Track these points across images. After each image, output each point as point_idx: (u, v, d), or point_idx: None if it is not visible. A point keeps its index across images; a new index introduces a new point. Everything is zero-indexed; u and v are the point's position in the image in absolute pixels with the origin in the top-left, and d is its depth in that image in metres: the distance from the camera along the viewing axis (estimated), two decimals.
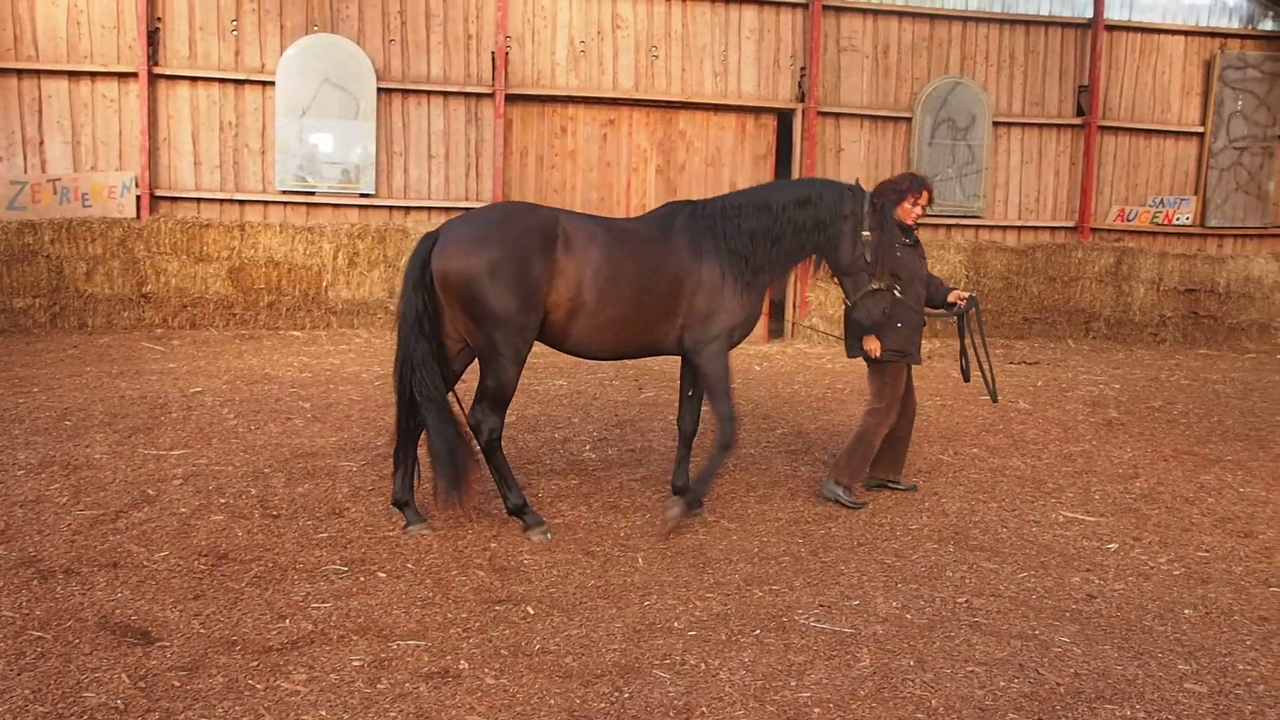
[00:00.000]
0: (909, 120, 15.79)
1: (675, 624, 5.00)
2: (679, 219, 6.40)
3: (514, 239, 5.88)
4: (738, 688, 4.40)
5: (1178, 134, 16.86)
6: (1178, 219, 16.69)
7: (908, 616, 5.20)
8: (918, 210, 7.17)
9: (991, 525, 6.74)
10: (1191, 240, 16.76)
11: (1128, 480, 7.89)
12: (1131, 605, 5.45)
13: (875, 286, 6.44)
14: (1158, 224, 16.67)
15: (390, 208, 14.48)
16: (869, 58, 15.72)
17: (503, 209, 6.14)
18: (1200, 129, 16.83)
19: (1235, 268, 16.01)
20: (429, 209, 14.56)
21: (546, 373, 11.57)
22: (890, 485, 7.41)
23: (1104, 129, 16.50)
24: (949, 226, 16.07)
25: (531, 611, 5.10)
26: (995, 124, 16.09)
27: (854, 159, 15.72)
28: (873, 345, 6.94)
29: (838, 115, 15.63)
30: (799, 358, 13.74)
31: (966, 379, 7.34)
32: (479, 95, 14.59)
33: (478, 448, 6.17)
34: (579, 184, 14.98)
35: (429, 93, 14.52)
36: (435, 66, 14.56)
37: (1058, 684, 4.51)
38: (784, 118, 15.63)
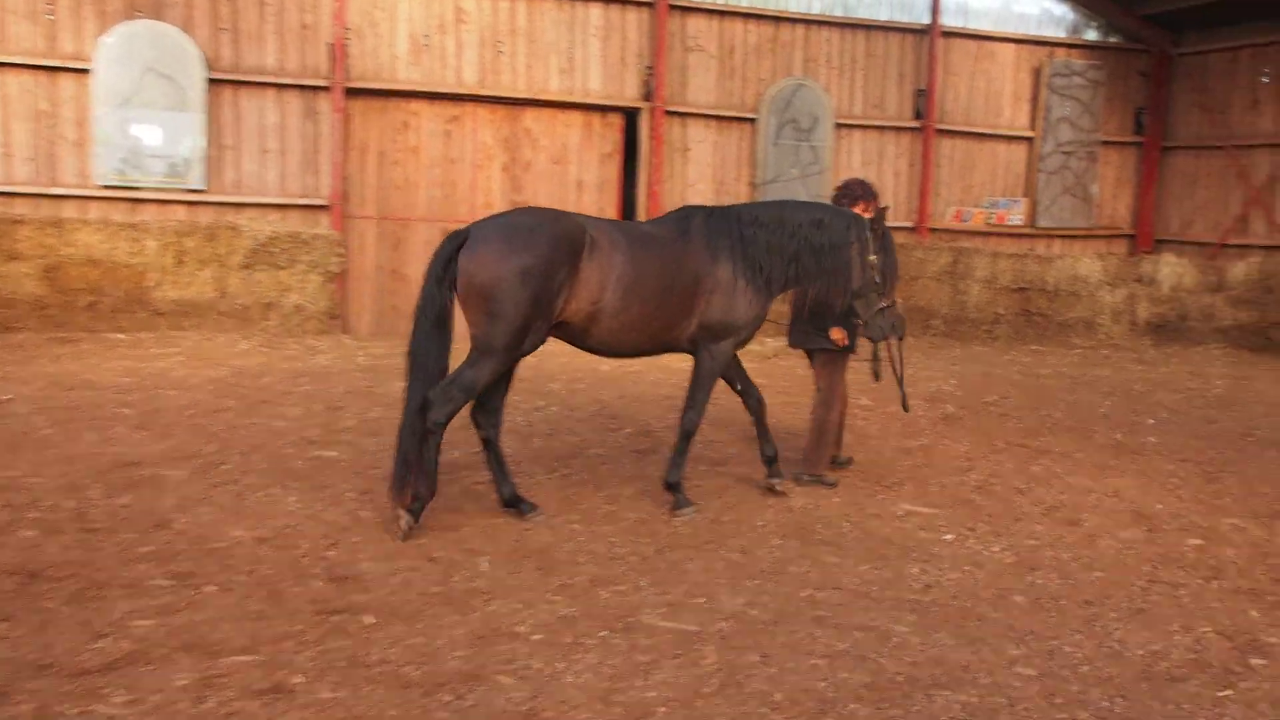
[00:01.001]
0: (754, 121, 16.04)
1: (520, 628, 4.96)
2: (695, 222, 6.81)
3: (545, 247, 6.17)
4: (583, 690, 4.38)
5: (1009, 138, 17.56)
6: (1010, 220, 17.38)
7: (752, 612, 5.26)
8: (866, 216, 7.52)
9: (834, 519, 6.88)
10: (1023, 240, 17.48)
11: (963, 473, 8.17)
12: (966, 594, 5.64)
13: (885, 305, 7.06)
14: (992, 225, 17.35)
15: (221, 204, 13.99)
16: (715, 58, 15.92)
17: (533, 214, 6.42)
18: (1030, 133, 17.57)
19: (1063, 267, 16.74)
20: (263, 205, 14.13)
21: (389, 375, 11.37)
22: (835, 461, 8.05)
23: (940, 132, 17.07)
24: None
25: (370, 621, 4.99)
26: (837, 126, 16.47)
27: (701, 159, 15.90)
28: (840, 335, 7.51)
29: (684, 115, 15.78)
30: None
31: (877, 379, 7.57)
32: (316, 88, 14.24)
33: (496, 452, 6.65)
34: (422, 181, 14.77)
35: (263, 84, 14.10)
36: (270, 57, 14.15)
37: (896, 673, 4.63)
38: (631, 117, 15.71)
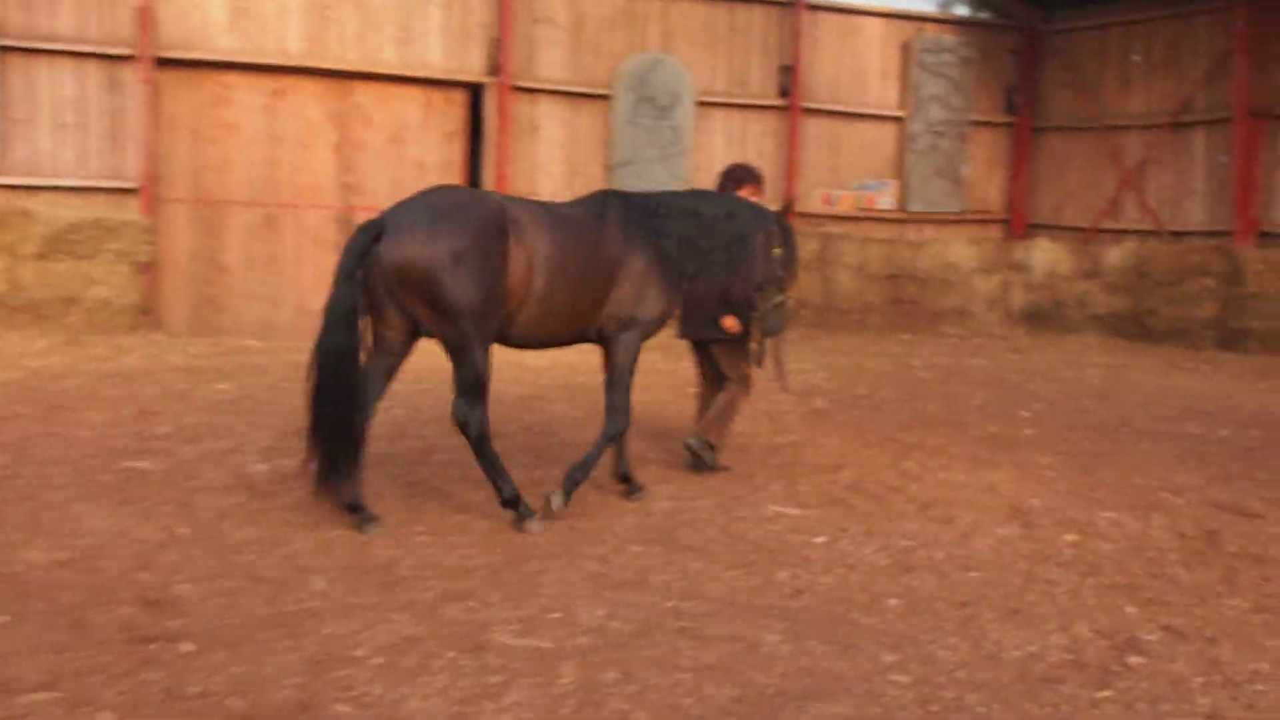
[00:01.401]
0: (609, 98, 16.06)
1: (359, 652, 4.86)
2: (612, 208, 6.98)
3: (473, 226, 6.27)
4: (429, 717, 4.32)
5: (878, 117, 17.98)
6: (880, 204, 17.79)
7: (613, 626, 5.25)
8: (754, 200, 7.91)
9: (700, 524, 6.92)
10: (893, 225, 17.91)
11: (834, 471, 8.32)
12: (838, 599, 5.74)
13: (780, 300, 7.43)
14: (861, 209, 17.72)
15: (11, 187, 13.39)
16: (566, 30, 15.89)
17: (448, 195, 6.61)
18: (900, 113, 18.02)
19: (934, 253, 17.24)
20: (62, 189, 13.58)
21: (208, 375, 11.05)
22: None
23: (807, 111, 17.36)
24: None
25: (189, 649, 4.83)
26: (699, 104, 16.60)
27: (551, 138, 15.86)
28: (734, 323, 7.80)
29: (534, 91, 15.71)
30: (499, 352, 13.62)
31: (760, 365, 7.80)
32: (120, 58, 13.74)
33: (363, 450, 6.55)
34: (240, 160, 14.40)
35: (60, 53, 13.54)
36: (66, 22, 13.59)
37: (766, 685, 4.68)
38: (476, 93, 15.57)
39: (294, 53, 14.51)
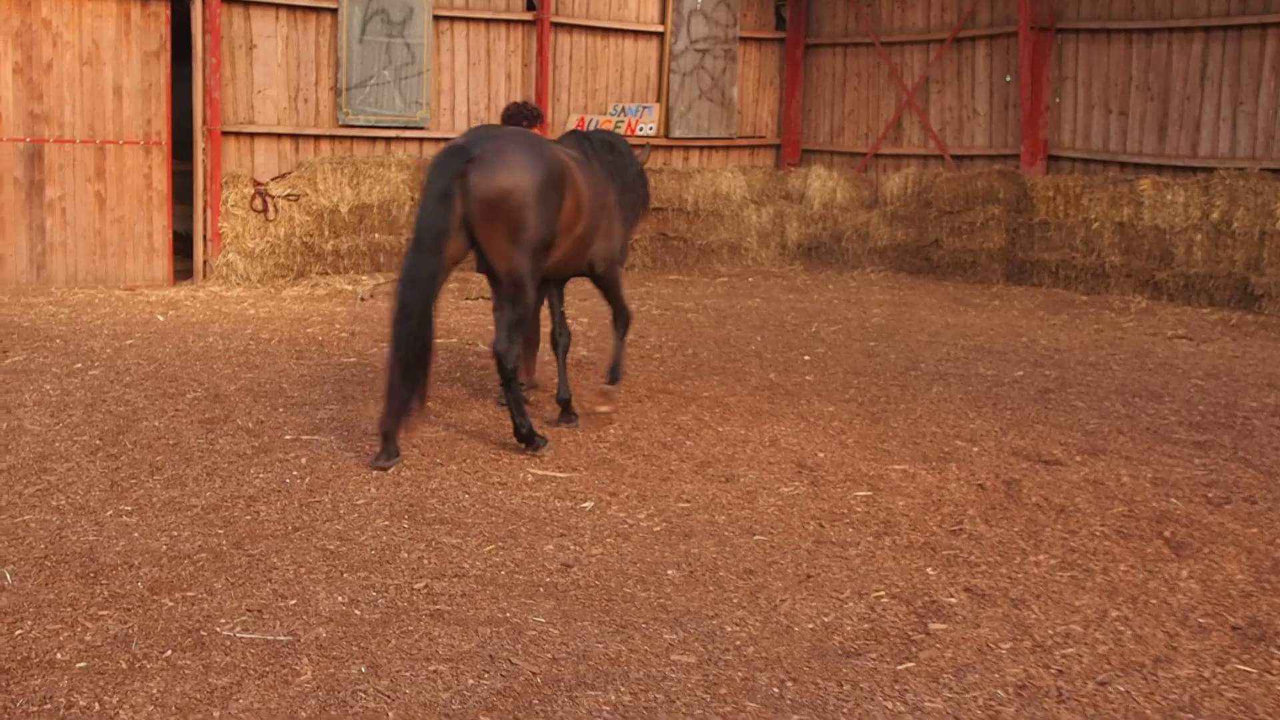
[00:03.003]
0: (334, 12, 15.51)
1: (58, 655, 4.68)
2: (589, 149, 8.25)
3: (554, 163, 7.36)
4: None
5: (637, 33, 17.97)
6: (641, 129, 17.81)
7: (356, 613, 5.16)
8: None
9: (452, 492, 6.84)
10: (657, 154, 17.95)
11: (600, 427, 8.28)
12: (611, 571, 5.70)
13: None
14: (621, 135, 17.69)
15: None
16: None
17: (516, 131, 7.77)
18: (660, 28, 18.05)
19: (703, 183, 17.40)
20: None
21: None
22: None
23: (558, 26, 17.18)
24: (388, 140, 16.05)
25: None
26: (436, 19, 16.22)
27: (270, 58, 15.21)
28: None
29: (247, 4, 15.00)
30: (214, 303, 13.21)
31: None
32: None
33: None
34: None
35: None
36: None
37: (534, 674, 4.60)
38: (180, 6, 14.75)
39: None
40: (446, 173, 7.03)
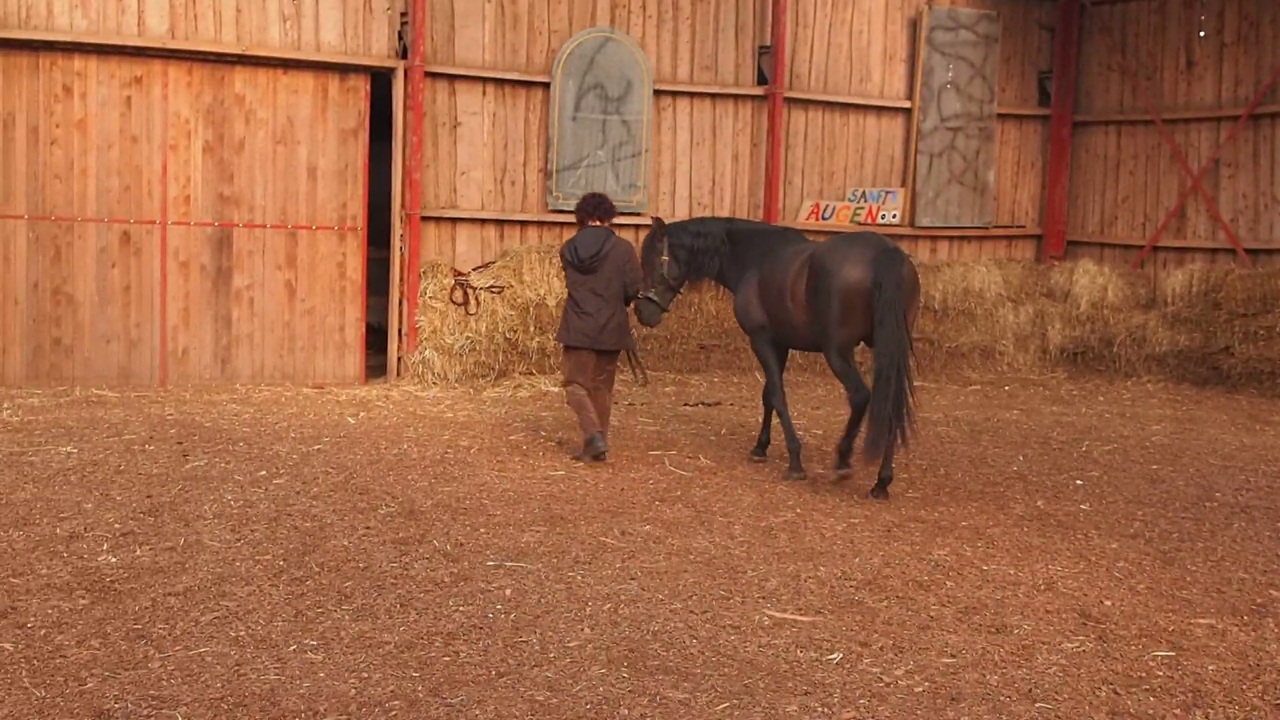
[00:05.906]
0: (546, 86, 15.79)
1: None
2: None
3: None
4: None
5: (880, 110, 17.85)
6: (884, 217, 17.61)
7: None
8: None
9: (677, 635, 6.63)
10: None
11: (844, 560, 8.03)
12: None
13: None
14: (860, 223, 17.51)
15: None
16: (491, 3, 15.63)
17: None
18: (907, 104, 17.88)
19: (953, 278, 17.07)
20: None
21: (46, 437, 10.64)
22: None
23: (792, 102, 17.19)
24: None
25: None
26: (657, 93, 16.40)
27: (475, 136, 15.59)
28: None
29: (453, 78, 15.46)
30: (408, 404, 13.46)
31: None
32: None
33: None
34: (93, 166, 14.15)
35: None
36: None
37: None
38: (381, 80, 15.26)
39: (157, 33, 14.19)
40: (903, 264, 9.97)
